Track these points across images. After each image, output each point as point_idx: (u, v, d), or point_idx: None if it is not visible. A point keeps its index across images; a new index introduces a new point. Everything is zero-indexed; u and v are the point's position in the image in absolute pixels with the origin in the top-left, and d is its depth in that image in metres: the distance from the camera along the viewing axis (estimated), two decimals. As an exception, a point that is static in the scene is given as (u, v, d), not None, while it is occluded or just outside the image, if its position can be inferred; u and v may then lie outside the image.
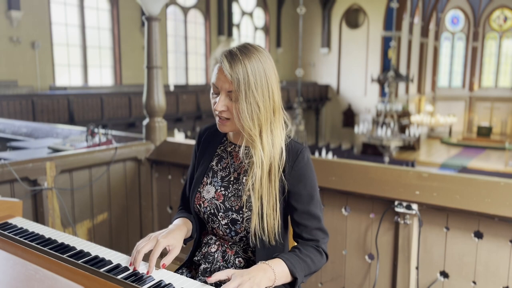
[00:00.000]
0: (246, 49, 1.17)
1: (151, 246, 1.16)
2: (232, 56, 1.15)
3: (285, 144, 1.25)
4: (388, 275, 2.25)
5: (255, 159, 1.20)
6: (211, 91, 1.23)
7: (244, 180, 1.26)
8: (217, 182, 1.31)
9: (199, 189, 1.33)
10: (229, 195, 1.28)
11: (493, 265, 1.97)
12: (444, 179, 2.09)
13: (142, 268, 1.13)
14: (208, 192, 1.31)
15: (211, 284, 1.10)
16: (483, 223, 1.97)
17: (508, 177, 2.13)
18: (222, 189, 1.29)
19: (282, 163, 1.23)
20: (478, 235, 1.99)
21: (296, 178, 1.24)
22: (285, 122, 1.26)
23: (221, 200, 1.28)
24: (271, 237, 1.23)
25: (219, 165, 1.34)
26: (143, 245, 1.16)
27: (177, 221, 1.33)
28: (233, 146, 1.33)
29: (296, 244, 1.31)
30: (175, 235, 1.23)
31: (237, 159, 1.31)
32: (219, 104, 1.18)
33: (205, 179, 1.34)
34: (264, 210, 1.21)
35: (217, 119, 1.23)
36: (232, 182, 1.29)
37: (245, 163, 1.27)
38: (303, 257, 1.20)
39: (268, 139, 1.21)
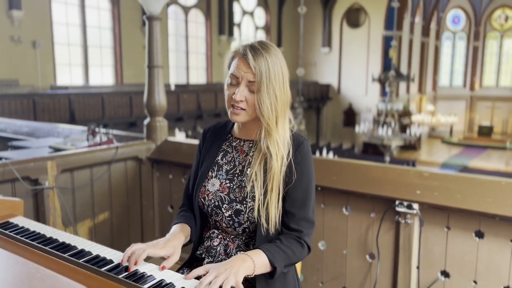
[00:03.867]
0: (264, 45, 1.25)
1: (147, 251, 1.16)
2: (254, 49, 1.23)
3: (289, 136, 1.30)
4: (389, 275, 2.25)
5: (271, 150, 1.25)
6: (228, 81, 1.27)
7: (248, 171, 1.29)
8: (222, 175, 1.34)
9: (204, 183, 1.35)
10: (234, 187, 1.31)
11: (494, 265, 1.97)
12: (445, 178, 2.09)
13: (143, 268, 1.14)
14: (213, 185, 1.33)
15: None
16: (484, 222, 1.96)
17: (509, 176, 2.13)
18: (227, 181, 1.32)
19: (291, 155, 1.27)
20: (479, 234, 1.99)
21: (294, 167, 1.27)
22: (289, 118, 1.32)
23: (226, 192, 1.31)
24: (272, 227, 1.26)
25: (224, 159, 1.37)
26: (139, 245, 1.17)
27: (175, 229, 1.34)
28: (238, 141, 1.37)
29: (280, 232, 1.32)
30: (173, 243, 1.24)
31: (242, 152, 1.35)
32: (238, 94, 1.23)
33: (210, 173, 1.36)
34: (269, 200, 1.25)
35: (230, 109, 1.27)
36: (237, 175, 1.32)
37: (249, 156, 1.32)
38: (283, 248, 1.23)
39: (282, 130, 1.27)
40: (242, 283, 1.09)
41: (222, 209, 1.30)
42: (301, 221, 1.28)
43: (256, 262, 1.15)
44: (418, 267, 2.16)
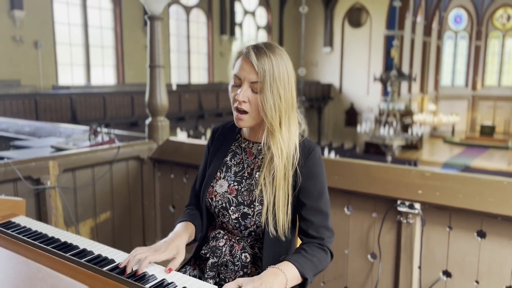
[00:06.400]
0: (270, 45, 1.25)
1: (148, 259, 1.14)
2: (258, 49, 1.22)
3: (299, 142, 1.28)
4: (390, 275, 2.25)
5: (274, 150, 1.23)
6: (231, 83, 1.26)
7: (257, 175, 1.28)
8: (231, 177, 1.33)
9: (212, 184, 1.35)
10: (242, 189, 1.30)
11: (496, 265, 1.96)
12: (447, 178, 2.08)
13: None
14: (221, 186, 1.33)
15: (217, 285, 1.11)
16: (486, 222, 1.96)
17: (511, 176, 2.13)
18: (235, 183, 1.31)
19: (296, 159, 1.26)
20: (481, 234, 1.98)
21: (307, 174, 1.26)
22: (299, 122, 1.31)
23: (234, 194, 1.30)
24: (281, 232, 1.25)
25: (233, 160, 1.36)
26: (142, 251, 1.16)
27: (178, 228, 1.32)
28: (247, 142, 1.36)
29: (300, 241, 1.32)
30: (176, 243, 1.22)
31: (251, 155, 1.34)
32: (241, 94, 1.21)
33: (218, 173, 1.36)
34: (276, 204, 1.23)
35: (235, 114, 1.26)
36: (245, 177, 1.31)
37: (258, 159, 1.30)
38: (309, 257, 1.21)
39: (286, 132, 1.25)
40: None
41: (229, 211, 1.29)
42: (321, 229, 1.27)
43: (288, 276, 1.14)
44: (419, 267, 2.16)
